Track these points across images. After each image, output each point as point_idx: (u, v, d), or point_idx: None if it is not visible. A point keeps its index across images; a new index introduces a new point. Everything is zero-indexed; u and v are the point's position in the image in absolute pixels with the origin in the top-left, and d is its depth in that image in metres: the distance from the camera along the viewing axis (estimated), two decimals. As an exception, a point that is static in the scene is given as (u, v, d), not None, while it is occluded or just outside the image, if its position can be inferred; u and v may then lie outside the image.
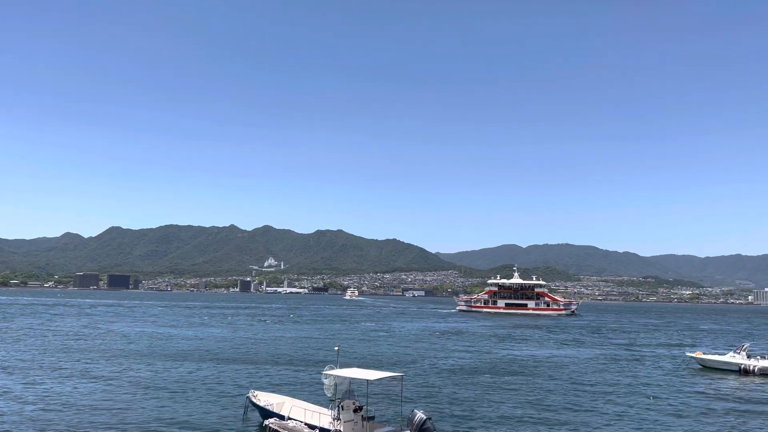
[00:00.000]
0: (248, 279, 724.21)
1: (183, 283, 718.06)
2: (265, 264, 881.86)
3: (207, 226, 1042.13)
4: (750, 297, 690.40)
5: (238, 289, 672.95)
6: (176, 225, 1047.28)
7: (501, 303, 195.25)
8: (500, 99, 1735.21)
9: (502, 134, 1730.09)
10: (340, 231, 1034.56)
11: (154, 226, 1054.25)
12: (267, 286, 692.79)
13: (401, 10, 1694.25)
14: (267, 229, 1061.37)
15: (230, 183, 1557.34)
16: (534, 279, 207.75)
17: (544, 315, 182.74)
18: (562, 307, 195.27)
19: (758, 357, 54.22)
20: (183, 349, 59.95)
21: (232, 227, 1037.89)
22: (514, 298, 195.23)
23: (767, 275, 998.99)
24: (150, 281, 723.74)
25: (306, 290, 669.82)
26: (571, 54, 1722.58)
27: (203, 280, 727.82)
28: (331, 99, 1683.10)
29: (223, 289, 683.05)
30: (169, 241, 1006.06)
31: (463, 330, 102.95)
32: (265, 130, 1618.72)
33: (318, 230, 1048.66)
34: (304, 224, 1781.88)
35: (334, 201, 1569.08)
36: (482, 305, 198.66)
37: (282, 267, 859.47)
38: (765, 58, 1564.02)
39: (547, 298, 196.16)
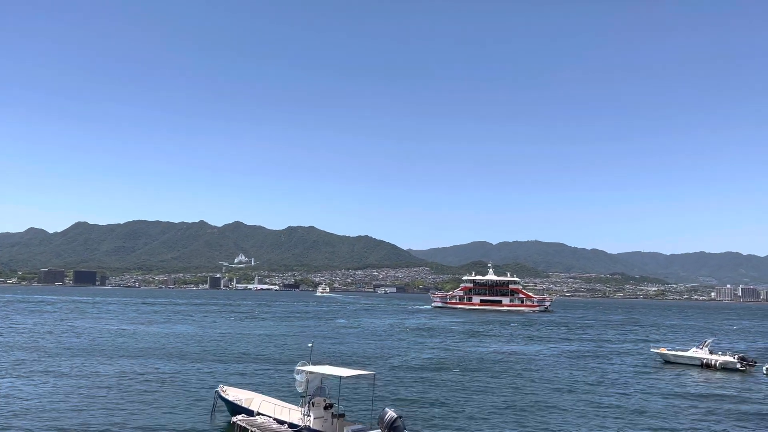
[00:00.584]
0: (218, 276, 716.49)
1: (151, 279, 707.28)
2: (236, 260, 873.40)
3: (176, 221, 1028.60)
4: (713, 293, 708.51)
5: (207, 286, 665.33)
6: (144, 220, 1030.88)
7: (476, 299, 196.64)
8: (473, 96, 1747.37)
9: (474, 132, 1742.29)
10: (311, 227, 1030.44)
11: (121, 221, 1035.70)
12: (237, 283, 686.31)
13: (379, 7, 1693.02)
14: (237, 225, 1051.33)
15: (200, 178, 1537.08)
16: (508, 276, 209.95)
17: (519, 311, 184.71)
18: (536, 304, 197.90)
19: (720, 352, 55.73)
20: (150, 346, 59.08)
21: (202, 223, 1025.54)
22: (489, 295, 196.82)
23: (729, 272, 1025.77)
24: (117, 278, 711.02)
25: (277, 287, 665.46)
26: (546, 53, 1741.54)
27: (172, 276, 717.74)
28: (301, 93, 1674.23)
29: (192, 285, 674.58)
30: (137, 236, 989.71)
31: (435, 326, 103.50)
32: (236, 124, 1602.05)
33: (289, 226, 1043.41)
34: (275, 220, 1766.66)
35: (306, 197, 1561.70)
36: (457, 302, 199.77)
37: (253, 263, 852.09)
38: (740, 56, 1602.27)
39: (521, 295, 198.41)
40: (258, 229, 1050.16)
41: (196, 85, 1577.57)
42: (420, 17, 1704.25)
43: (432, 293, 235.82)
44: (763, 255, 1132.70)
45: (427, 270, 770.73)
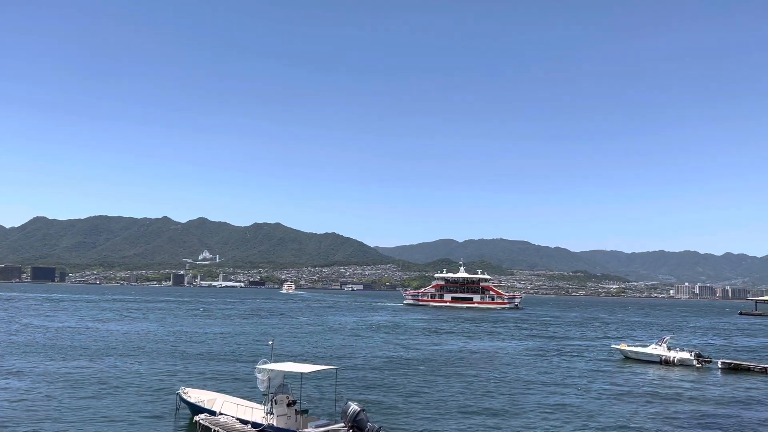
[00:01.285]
0: (182, 272, 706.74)
1: (113, 276, 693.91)
2: (200, 257, 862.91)
3: (139, 217, 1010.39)
4: (671, 291, 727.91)
5: (171, 283, 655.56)
6: (106, 216, 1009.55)
7: (447, 297, 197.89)
8: (441, 94, 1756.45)
9: (442, 130, 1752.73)
10: (278, 224, 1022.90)
11: (82, 216, 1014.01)
12: (201, 280, 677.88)
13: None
14: (202, 222, 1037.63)
15: (164, 173, 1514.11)
16: (479, 273, 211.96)
17: (489, 308, 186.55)
18: (506, 301, 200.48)
19: (677, 349, 57.09)
20: (109, 344, 57.77)
21: (166, 219, 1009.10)
22: (460, 292, 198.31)
23: (687, 271, 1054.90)
24: (77, 274, 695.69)
25: (242, 284, 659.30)
26: (514, 52, 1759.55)
27: (134, 273, 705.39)
28: (268, 88, 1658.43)
29: (155, 282, 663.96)
30: (99, 232, 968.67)
31: (400, 324, 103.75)
32: (201, 117, 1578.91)
33: (255, 223, 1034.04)
34: (240, 217, 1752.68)
35: (272, 193, 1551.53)
36: (429, 299, 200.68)
37: (217, 260, 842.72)
38: (702, 57, 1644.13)
39: (492, 292, 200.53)
40: (223, 226, 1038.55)
41: (160, 77, 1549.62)
42: (393, 12, 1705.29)
43: (404, 291, 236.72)
44: (719, 254, 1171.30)
45: (394, 267, 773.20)
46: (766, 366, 51.88)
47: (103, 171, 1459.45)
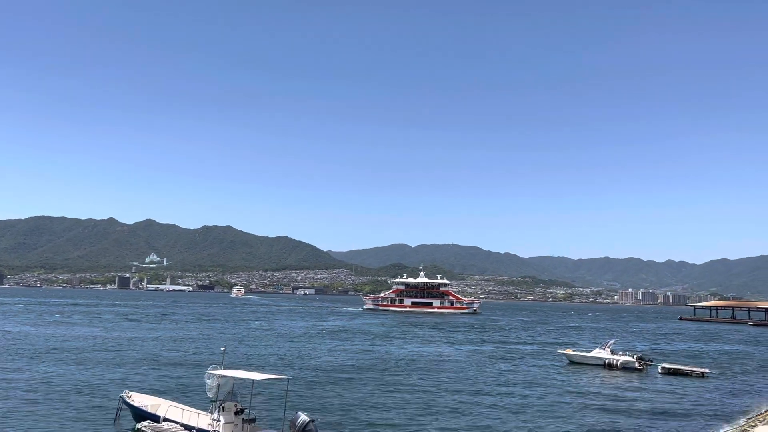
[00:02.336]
0: (127, 275, 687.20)
1: (54, 278, 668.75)
2: (147, 260, 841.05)
3: (83, 218, 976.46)
4: (616, 297, 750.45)
5: (116, 286, 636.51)
6: (48, 216, 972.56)
7: (407, 301, 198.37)
8: (394, 101, 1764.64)
9: (395, 136, 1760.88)
10: (228, 227, 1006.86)
11: (22, 216, 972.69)
12: (148, 283, 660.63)
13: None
14: (149, 223, 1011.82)
15: (110, 173, 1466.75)
16: (439, 278, 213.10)
17: (449, 313, 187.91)
18: (465, 306, 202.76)
19: (620, 353, 58.89)
20: (48, 349, 55.66)
21: (111, 220, 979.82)
22: (420, 297, 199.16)
23: (631, 277, 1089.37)
24: (16, 276, 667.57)
25: (190, 288, 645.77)
26: (465, 61, 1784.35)
27: (77, 275, 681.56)
28: (219, 90, 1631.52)
29: (99, 285, 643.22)
30: (40, 233, 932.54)
31: (353, 329, 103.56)
32: (149, 117, 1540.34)
33: (205, 225, 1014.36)
34: (189, 219, 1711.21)
35: (223, 195, 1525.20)
36: (389, 304, 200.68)
37: (165, 263, 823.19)
38: (643, 70, 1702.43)
39: (451, 297, 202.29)
40: (171, 228, 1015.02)
41: (107, 75, 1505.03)
42: (348, 18, 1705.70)
43: (364, 296, 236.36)
44: (661, 261, 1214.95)
45: (347, 272, 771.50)
46: (702, 370, 54.07)
47: (46, 169, 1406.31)
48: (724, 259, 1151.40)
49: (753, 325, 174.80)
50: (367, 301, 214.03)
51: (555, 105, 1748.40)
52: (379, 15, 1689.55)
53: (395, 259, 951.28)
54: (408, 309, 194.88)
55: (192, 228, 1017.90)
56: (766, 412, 33.99)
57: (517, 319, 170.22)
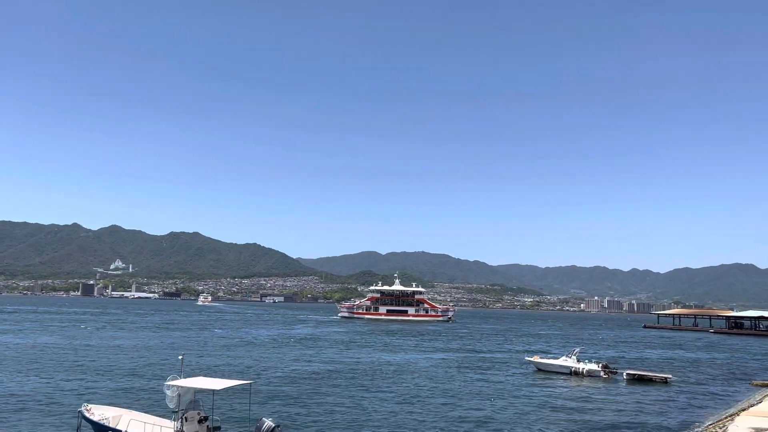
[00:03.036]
0: (91, 282, 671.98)
1: (15, 285, 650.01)
2: (112, 266, 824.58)
3: (46, 223, 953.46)
4: (582, 305, 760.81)
5: (79, 293, 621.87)
6: (9, 221, 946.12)
7: (383, 309, 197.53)
8: (363, 112, 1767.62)
9: (366, 145, 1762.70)
10: (196, 233, 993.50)
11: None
12: (113, 291, 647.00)
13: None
14: (115, 229, 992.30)
15: (74, 177, 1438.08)
16: (414, 286, 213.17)
17: (424, 321, 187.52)
18: (440, 314, 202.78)
19: (586, 360, 59.49)
20: (5, 358, 53.92)
21: (75, 226, 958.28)
22: (395, 305, 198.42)
23: (597, 285, 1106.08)
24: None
25: (156, 295, 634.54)
26: (430, 68, 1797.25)
27: (39, 282, 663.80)
28: (187, 95, 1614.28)
29: (62, 292, 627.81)
30: (1, 239, 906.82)
31: (320, 336, 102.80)
32: (116, 121, 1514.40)
33: (172, 232, 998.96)
34: (156, 225, 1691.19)
35: (191, 202, 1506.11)
36: (364, 312, 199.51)
37: (130, 270, 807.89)
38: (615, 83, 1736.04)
39: (426, 305, 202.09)
40: (137, 234, 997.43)
41: (72, 78, 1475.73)
42: (305, 24, 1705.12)
43: (339, 304, 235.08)
44: (626, 270, 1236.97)
45: (316, 279, 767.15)
46: (666, 376, 54.95)
47: (7, 173, 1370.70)
48: (686, 268, 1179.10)
49: (714, 332, 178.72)
50: (342, 309, 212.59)
51: (524, 115, 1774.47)
52: (342, 25, 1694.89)
53: (365, 267, 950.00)
54: (383, 317, 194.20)
55: (159, 234, 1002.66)
56: (726, 418, 34.60)
57: (486, 327, 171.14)
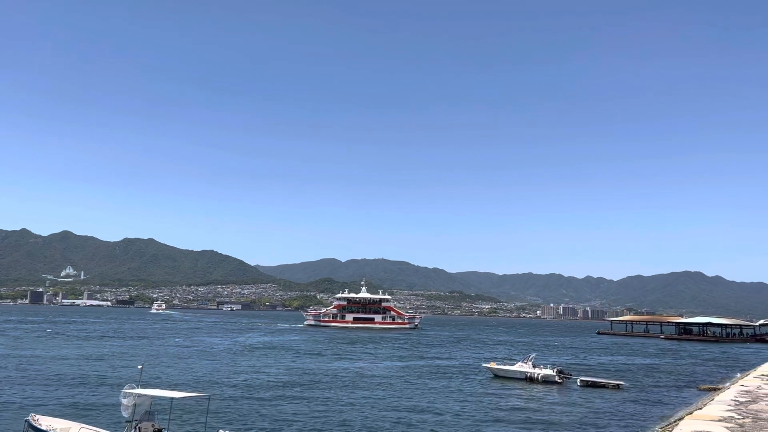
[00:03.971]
0: (41, 290, 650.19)
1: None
2: (62, 273, 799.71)
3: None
4: (538, 311, 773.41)
5: (27, 301, 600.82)
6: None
7: (349, 317, 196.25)
8: (322, 118, 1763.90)
9: (325, 151, 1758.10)
10: (151, 240, 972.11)
11: None
12: (63, 298, 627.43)
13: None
14: (66, 235, 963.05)
15: (23, 181, 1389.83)
16: (381, 293, 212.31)
17: (390, 329, 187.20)
18: (406, 321, 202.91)
19: (542, 366, 60.57)
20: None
21: (24, 231, 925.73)
22: (362, 313, 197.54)
23: (553, 292, 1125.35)
24: None
25: (109, 303, 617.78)
26: (391, 78, 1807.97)
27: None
28: (140, 98, 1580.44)
29: (9, 300, 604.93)
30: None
31: (278, 345, 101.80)
32: (67, 123, 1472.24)
33: (126, 238, 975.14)
34: (109, 231, 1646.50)
35: (146, 207, 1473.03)
36: (330, 320, 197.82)
37: (82, 277, 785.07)
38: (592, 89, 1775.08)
39: (393, 313, 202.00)
40: (90, 240, 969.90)
41: (20, 79, 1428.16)
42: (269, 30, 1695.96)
43: (305, 311, 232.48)
44: (580, 277, 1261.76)
45: (275, 286, 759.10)
46: (618, 382, 56.38)
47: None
48: (638, 276, 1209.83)
49: (664, 338, 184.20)
50: (308, 317, 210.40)
51: (483, 124, 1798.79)
52: (294, 29, 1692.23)
53: (325, 274, 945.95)
54: (350, 324, 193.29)
55: (112, 240, 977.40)
56: (675, 422, 35.74)
57: (446, 333, 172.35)
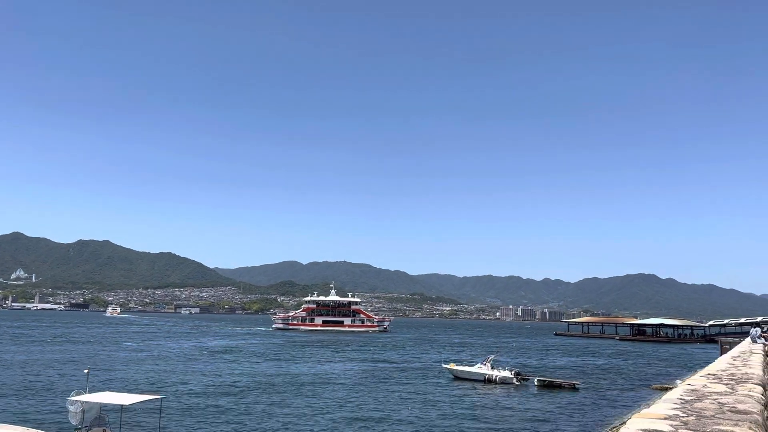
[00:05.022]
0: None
1: None
2: (12, 276, 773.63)
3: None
4: (498, 313, 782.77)
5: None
6: None
7: (318, 320, 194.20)
8: (280, 121, 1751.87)
9: (282, 155, 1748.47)
10: (106, 242, 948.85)
11: None
12: (13, 302, 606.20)
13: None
14: (17, 237, 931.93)
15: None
16: (350, 296, 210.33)
17: (360, 332, 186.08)
18: (376, 324, 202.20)
19: (500, 368, 61.24)
20: None
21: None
22: (332, 315, 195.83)
23: (511, 294, 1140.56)
24: None
25: (62, 306, 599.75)
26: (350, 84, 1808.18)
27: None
28: (92, 94, 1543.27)
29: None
30: None
31: (236, 348, 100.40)
32: (19, 121, 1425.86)
33: (80, 240, 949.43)
34: (63, 233, 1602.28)
35: (101, 208, 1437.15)
36: (300, 323, 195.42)
37: (34, 280, 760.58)
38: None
39: (362, 315, 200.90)
40: (42, 242, 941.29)
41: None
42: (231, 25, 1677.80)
43: (274, 314, 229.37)
44: (539, 280, 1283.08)
45: (234, 289, 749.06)
46: (574, 382, 57.38)
47: None
48: (595, 278, 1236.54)
49: (619, 339, 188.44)
50: (276, 320, 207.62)
51: (441, 133, 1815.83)
52: (244, 30, 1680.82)
53: (286, 277, 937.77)
54: (319, 328, 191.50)
55: (66, 242, 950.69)
56: (624, 421, 36.50)
57: (409, 336, 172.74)
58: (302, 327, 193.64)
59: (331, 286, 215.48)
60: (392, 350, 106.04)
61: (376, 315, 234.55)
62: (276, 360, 78.30)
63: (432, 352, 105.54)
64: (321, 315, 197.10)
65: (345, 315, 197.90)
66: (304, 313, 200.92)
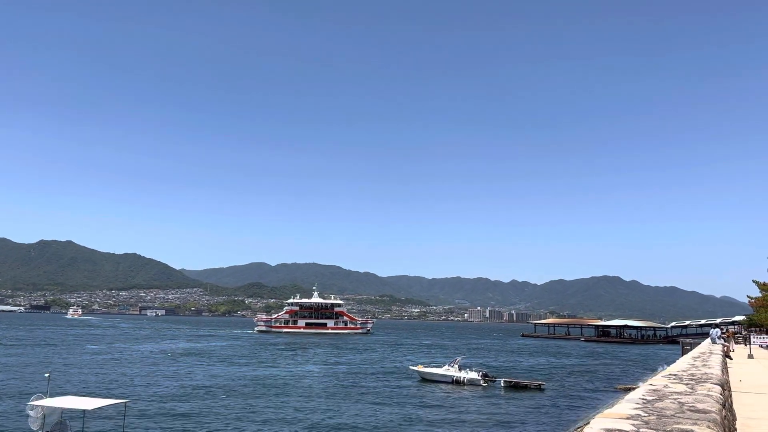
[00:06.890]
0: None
1: None
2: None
3: None
4: (466, 314, 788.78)
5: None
6: None
7: (301, 322, 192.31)
8: (250, 121, 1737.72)
9: (252, 156, 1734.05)
10: (69, 242, 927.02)
11: None
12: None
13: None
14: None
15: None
16: (333, 298, 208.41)
17: (343, 334, 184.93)
18: (359, 326, 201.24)
19: (467, 369, 61.68)
20: None
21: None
22: (315, 318, 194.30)
23: (479, 296, 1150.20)
24: None
25: (22, 308, 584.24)
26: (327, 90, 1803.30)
27: None
28: (57, 94, 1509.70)
29: None
30: None
31: (205, 351, 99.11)
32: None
33: (42, 240, 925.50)
34: (24, 233, 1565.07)
35: (63, 208, 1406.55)
36: (282, 325, 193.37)
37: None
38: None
39: (345, 317, 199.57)
40: (2, 242, 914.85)
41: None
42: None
43: (256, 317, 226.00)
44: (506, 281, 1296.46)
45: (201, 291, 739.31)
46: (540, 383, 58.13)
47: None
48: (561, 280, 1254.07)
49: (584, 340, 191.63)
50: (259, 323, 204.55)
51: (409, 138, 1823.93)
52: (222, 25, 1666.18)
53: (254, 278, 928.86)
54: (302, 330, 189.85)
55: (27, 242, 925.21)
56: (591, 420, 37.12)
57: (380, 339, 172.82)
58: (285, 329, 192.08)
59: (314, 288, 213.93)
60: (359, 352, 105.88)
61: (359, 317, 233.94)
62: (244, 364, 77.50)
63: (400, 353, 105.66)
64: (304, 317, 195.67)
65: (328, 317, 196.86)
66: (287, 316, 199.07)
